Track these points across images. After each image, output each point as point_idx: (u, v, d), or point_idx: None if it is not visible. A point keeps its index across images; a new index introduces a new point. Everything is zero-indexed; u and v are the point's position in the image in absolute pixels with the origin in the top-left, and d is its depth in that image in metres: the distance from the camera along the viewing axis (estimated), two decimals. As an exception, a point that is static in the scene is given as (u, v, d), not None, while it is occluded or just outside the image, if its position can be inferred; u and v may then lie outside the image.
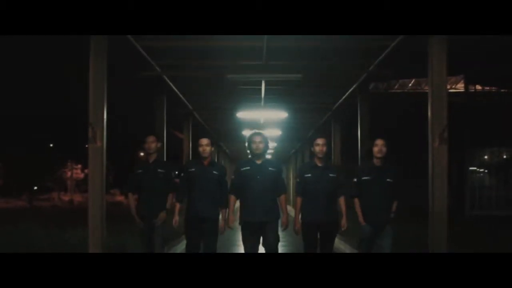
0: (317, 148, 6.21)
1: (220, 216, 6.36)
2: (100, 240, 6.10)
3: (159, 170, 6.63)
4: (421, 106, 9.79)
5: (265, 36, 7.54)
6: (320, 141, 6.24)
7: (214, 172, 6.38)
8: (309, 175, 6.21)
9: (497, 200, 25.77)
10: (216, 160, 21.42)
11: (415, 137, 18.20)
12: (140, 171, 6.67)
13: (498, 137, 25.30)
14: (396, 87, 31.51)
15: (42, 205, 34.30)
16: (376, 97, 26.79)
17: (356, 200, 6.22)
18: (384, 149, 6.15)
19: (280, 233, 6.12)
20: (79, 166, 47.32)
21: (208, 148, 6.33)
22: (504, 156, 27.38)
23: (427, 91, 6.31)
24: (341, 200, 6.28)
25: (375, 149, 6.17)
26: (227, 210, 6.31)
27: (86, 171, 40.65)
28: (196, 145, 6.50)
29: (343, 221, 6.21)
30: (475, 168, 26.89)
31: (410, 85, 31.27)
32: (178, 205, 6.45)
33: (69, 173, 47.80)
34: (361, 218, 6.14)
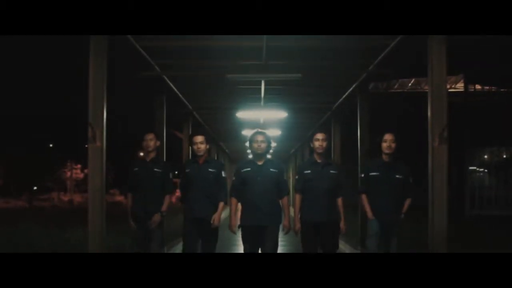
0: (316, 143, 5.93)
1: (217, 212, 6.13)
2: (100, 240, 6.08)
3: (156, 169, 6.38)
4: (421, 106, 9.80)
5: (265, 36, 7.53)
6: (319, 135, 5.96)
7: (210, 170, 6.14)
8: (309, 171, 5.93)
9: (497, 200, 25.78)
10: (216, 158, 21.39)
11: (415, 136, 18.20)
12: (136, 169, 6.44)
13: (498, 137, 25.34)
14: (396, 86, 31.54)
15: (42, 205, 34.31)
16: (376, 96, 26.83)
17: (364, 196, 6.02)
18: (393, 145, 5.93)
19: (281, 235, 5.86)
20: (79, 166, 47.37)
21: (202, 146, 6.11)
22: (504, 156, 27.40)
23: (427, 90, 6.29)
24: (339, 202, 6.01)
25: (384, 144, 5.94)
26: (224, 206, 6.12)
27: (85, 171, 40.68)
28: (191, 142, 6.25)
29: (341, 225, 5.96)
30: (475, 168, 26.91)
31: (410, 84, 31.32)
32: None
33: (68, 173, 47.86)
34: (369, 213, 5.93)
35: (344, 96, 11.92)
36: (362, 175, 6.10)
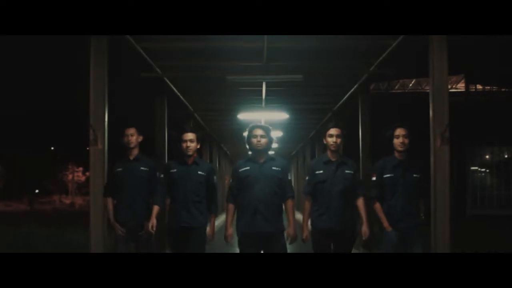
0: (330, 140, 5.29)
1: (209, 224, 5.54)
2: (101, 243, 6.05)
3: (142, 168, 5.72)
4: (422, 106, 9.79)
5: (265, 37, 7.53)
6: (333, 131, 5.31)
7: (200, 172, 5.48)
8: (321, 171, 5.26)
9: (498, 199, 25.78)
10: (217, 163, 21.33)
11: (415, 137, 18.17)
12: (119, 169, 5.77)
13: (499, 136, 25.34)
14: (397, 87, 31.56)
15: (43, 208, 34.33)
16: (377, 97, 26.84)
17: (377, 204, 5.29)
18: (406, 141, 5.26)
19: (288, 246, 5.23)
20: (80, 168, 47.43)
21: (193, 145, 5.45)
22: (505, 155, 27.39)
23: (428, 91, 6.28)
24: (360, 202, 5.31)
25: (396, 141, 5.27)
26: (216, 217, 5.63)
27: (87, 173, 40.73)
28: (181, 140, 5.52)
29: (364, 228, 5.24)
30: (476, 167, 26.91)
31: (410, 85, 31.34)
32: (156, 208, 5.46)
33: (70, 176, 47.91)
34: (386, 223, 5.20)
35: (345, 97, 11.91)
36: (374, 178, 5.36)
